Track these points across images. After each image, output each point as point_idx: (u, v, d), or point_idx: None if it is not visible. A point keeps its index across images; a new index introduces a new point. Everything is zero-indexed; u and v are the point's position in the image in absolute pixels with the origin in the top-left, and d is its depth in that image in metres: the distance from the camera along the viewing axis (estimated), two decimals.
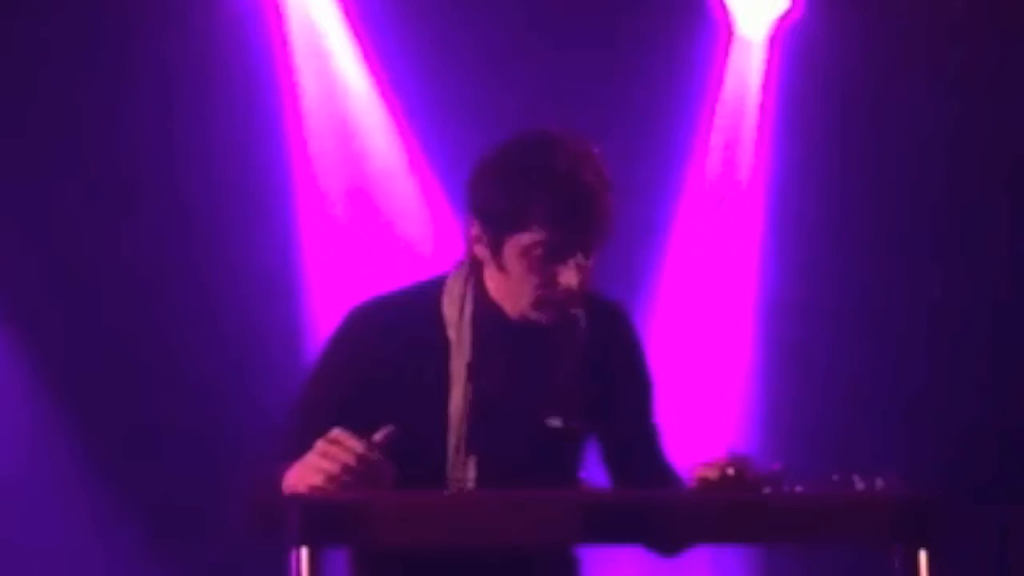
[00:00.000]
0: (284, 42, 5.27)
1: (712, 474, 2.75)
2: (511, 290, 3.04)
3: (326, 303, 5.19)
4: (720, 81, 5.49)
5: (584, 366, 3.13)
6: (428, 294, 3.10)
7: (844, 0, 5.44)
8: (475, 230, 3.05)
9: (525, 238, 2.97)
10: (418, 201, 5.37)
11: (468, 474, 2.99)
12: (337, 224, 5.34)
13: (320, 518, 2.56)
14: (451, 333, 3.05)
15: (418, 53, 5.26)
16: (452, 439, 3.00)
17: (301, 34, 5.29)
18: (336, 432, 2.73)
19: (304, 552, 2.54)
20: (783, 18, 5.45)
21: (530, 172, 2.97)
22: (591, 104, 5.04)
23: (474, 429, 3.00)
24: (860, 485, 2.65)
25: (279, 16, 5.28)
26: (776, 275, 5.45)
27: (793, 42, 5.45)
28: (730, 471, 2.74)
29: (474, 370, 3.02)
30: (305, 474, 2.73)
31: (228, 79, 5.17)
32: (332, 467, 2.71)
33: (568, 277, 2.98)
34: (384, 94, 5.33)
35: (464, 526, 2.58)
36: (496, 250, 3.02)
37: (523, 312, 3.05)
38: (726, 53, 5.47)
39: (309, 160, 5.31)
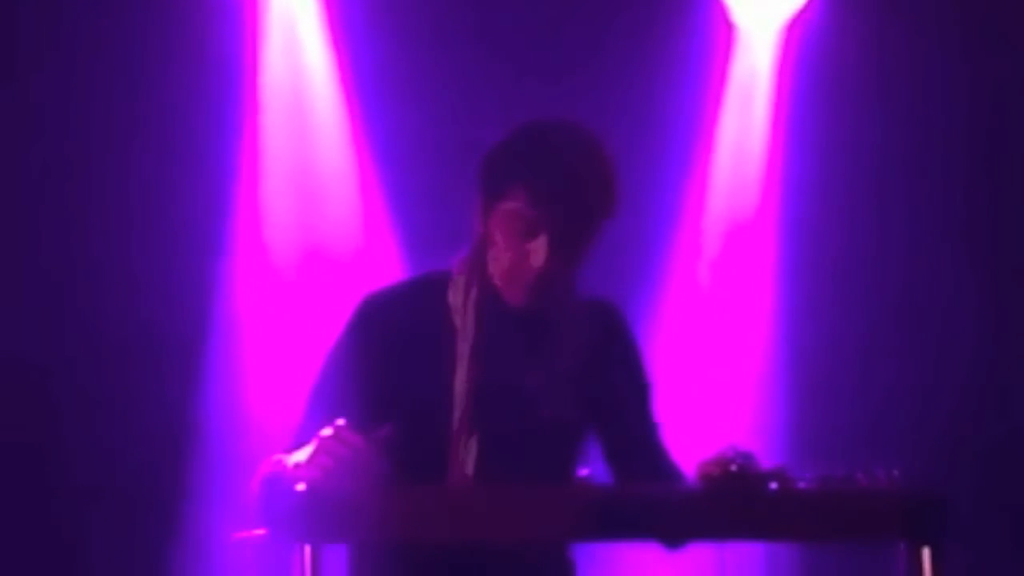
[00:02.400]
0: (257, 30, 5.21)
1: (715, 470, 2.75)
2: (497, 264, 3.09)
3: (249, 309, 5.15)
4: (724, 76, 5.44)
5: (584, 363, 3.15)
6: (434, 283, 3.16)
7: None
8: (477, 203, 3.11)
9: (505, 205, 3.04)
10: (357, 207, 5.31)
11: (470, 454, 3.01)
12: (274, 228, 5.25)
13: (322, 515, 2.56)
14: (456, 319, 3.10)
15: (400, 53, 5.21)
16: (456, 417, 3.02)
17: (277, 26, 5.25)
18: (336, 426, 2.75)
19: (307, 549, 2.55)
20: (797, 14, 5.40)
21: (523, 144, 3.06)
22: (586, 101, 5.01)
23: (477, 409, 3.03)
24: (863, 482, 2.64)
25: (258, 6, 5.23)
26: (780, 276, 5.42)
27: (807, 39, 5.40)
28: (733, 467, 2.73)
29: (477, 353, 3.06)
30: (304, 467, 2.77)
31: (194, 63, 5.08)
32: (328, 461, 2.73)
33: (537, 252, 3.02)
34: (352, 93, 5.27)
35: (465, 521, 2.59)
36: (486, 220, 3.09)
37: (505, 287, 3.09)
38: (728, 48, 5.44)
39: (258, 160, 5.24)
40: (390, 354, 3.09)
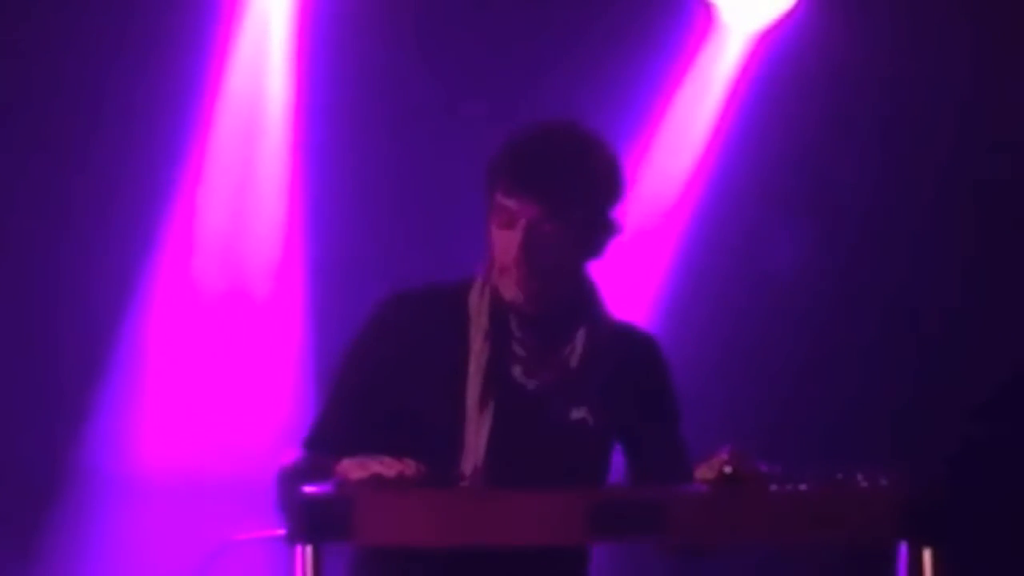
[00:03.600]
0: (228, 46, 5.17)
1: (709, 474, 2.75)
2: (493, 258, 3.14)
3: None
4: (687, 68, 5.42)
5: (609, 384, 3.19)
6: (458, 286, 3.20)
7: (849, 8, 5.40)
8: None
9: (495, 198, 3.09)
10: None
11: (482, 437, 3.06)
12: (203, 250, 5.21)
13: (323, 515, 2.54)
14: (472, 315, 3.14)
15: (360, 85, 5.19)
16: (469, 395, 3.08)
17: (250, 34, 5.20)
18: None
19: (308, 550, 2.52)
20: (783, 17, 5.38)
21: (514, 136, 3.13)
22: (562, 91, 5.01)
23: (488, 388, 3.09)
24: (864, 483, 2.65)
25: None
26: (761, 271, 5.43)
27: (786, 43, 5.41)
28: (727, 469, 2.74)
29: (490, 339, 3.11)
30: (367, 464, 2.79)
31: (159, 67, 5.05)
32: (380, 470, 2.76)
33: (514, 241, 3.05)
34: (305, 124, 5.23)
35: (468, 524, 2.58)
36: (488, 216, 3.13)
37: (498, 281, 3.12)
38: (701, 42, 5.41)
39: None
40: (408, 350, 3.14)
